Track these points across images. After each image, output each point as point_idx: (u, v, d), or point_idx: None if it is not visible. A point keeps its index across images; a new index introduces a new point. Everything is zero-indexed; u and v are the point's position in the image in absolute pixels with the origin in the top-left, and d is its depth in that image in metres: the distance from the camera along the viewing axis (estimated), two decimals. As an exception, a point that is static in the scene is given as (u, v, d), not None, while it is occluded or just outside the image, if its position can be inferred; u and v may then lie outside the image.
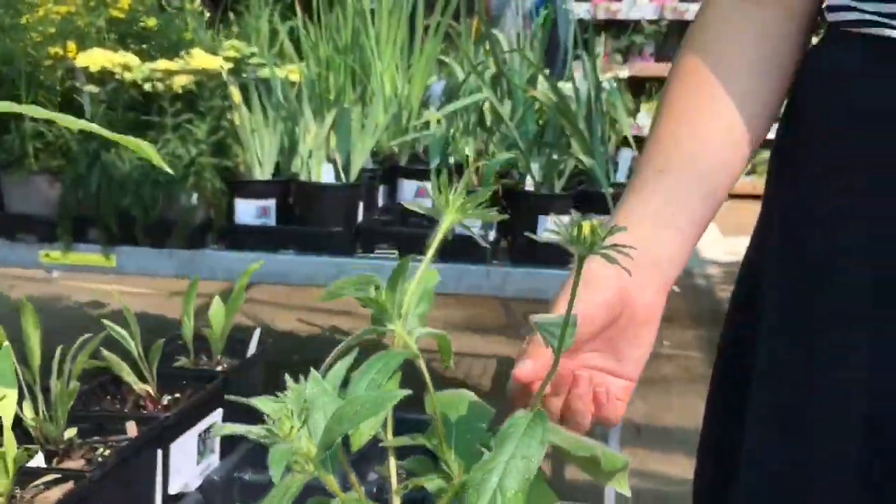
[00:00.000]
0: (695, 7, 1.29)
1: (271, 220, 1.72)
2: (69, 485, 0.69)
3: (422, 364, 0.44)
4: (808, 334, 0.59)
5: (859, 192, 0.57)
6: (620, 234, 0.41)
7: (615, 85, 2.74)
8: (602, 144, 1.82)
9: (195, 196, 1.69)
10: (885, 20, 0.56)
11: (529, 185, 1.70)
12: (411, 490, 0.45)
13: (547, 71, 2.90)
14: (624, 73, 3.28)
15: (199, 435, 0.87)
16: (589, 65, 1.81)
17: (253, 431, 0.36)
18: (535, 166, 1.70)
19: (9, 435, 0.65)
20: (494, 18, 6.15)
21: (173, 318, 3.05)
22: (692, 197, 0.62)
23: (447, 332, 0.47)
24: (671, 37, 5.53)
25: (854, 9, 0.58)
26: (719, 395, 0.71)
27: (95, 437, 0.80)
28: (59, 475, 0.71)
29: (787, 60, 0.64)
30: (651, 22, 5.43)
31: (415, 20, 2.29)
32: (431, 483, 0.44)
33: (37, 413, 0.79)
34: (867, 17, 0.57)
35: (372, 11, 2.33)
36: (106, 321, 0.92)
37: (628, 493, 0.47)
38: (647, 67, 5.48)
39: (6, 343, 0.62)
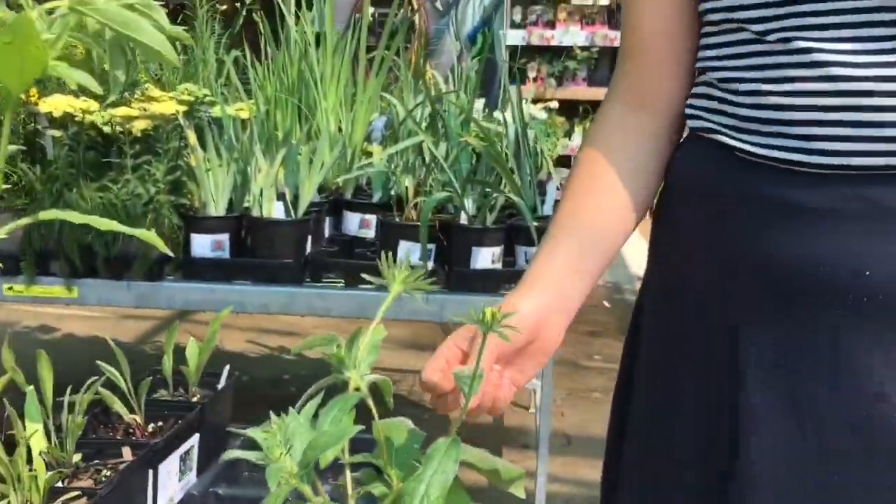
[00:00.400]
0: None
1: (225, 253, 1.86)
2: (84, 500, 0.85)
3: (370, 402, 0.60)
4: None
5: (684, 259, 0.78)
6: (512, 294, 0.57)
7: (545, 116, 2.94)
8: (530, 179, 2.00)
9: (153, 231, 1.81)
10: (722, 129, 0.75)
11: (464, 219, 1.87)
12: (362, 495, 0.60)
13: (483, 101, 3.08)
14: (554, 103, 3.47)
15: (181, 456, 1.01)
16: (517, 109, 2.00)
17: (251, 455, 0.51)
18: (468, 202, 1.88)
19: (39, 461, 0.80)
20: (434, 43, 6.34)
21: (126, 342, 3.14)
22: (588, 258, 0.79)
23: (393, 349, 0.63)
24: (602, 62, 5.80)
25: (702, 118, 0.77)
26: (614, 409, 0.89)
27: (96, 461, 0.94)
28: (78, 492, 0.87)
29: (662, 151, 0.82)
30: (583, 48, 5.69)
31: (358, 57, 2.45)
32: (377, 490, 0.60)
33: (49, 442, 0.94)
34: (711, 125, 0.76)
35: (317, 45, 2.48)
36: (101, 363, 1.06)
37: (523, 496, 0.63)
38: (580, 91, 5.74)
39: (31, 388, 0.75)
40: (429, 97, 2.10)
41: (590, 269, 0.78)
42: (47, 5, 0.68)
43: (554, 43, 5.71)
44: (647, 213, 0.84)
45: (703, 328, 0.74)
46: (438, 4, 6.31)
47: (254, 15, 3.76)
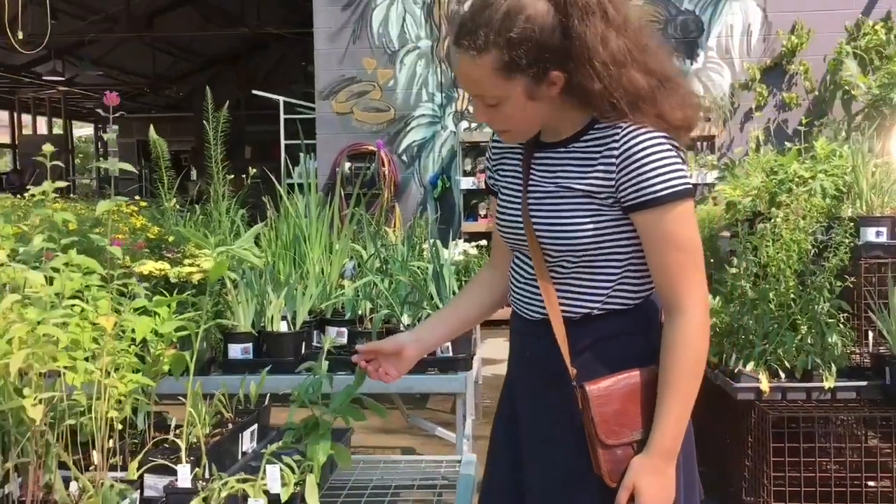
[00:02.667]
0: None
1: (251, 356, 2.91)
2: (217, 438, 1.86)
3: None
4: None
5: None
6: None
7: (471, 252, 4.06)
8: (446, 299, 3.08)
9: (205, 343, 2.87)
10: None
11: (402, 327, 2.94)
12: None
13: (433, 241, 4.19)
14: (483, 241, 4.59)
15: (250, 433, 2.02)
16: (433, 254, 3.11)
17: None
18: (404, 316, 2.96)
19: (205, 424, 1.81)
20: (401, 188, 7.58)
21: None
22: (454, 321, 1.82)
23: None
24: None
25: None
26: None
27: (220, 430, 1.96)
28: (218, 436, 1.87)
29: (497, 283, 1.83)
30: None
31: (333, 224, 3.58)
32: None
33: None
34: None
35: (306, 213, 3.62)
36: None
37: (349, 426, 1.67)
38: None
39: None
40: (377, 249, 3.22)
41: (444, 331, 1.80)
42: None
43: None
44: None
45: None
46: (404, 157, 7.59)
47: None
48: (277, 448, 1.59)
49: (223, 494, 1.40)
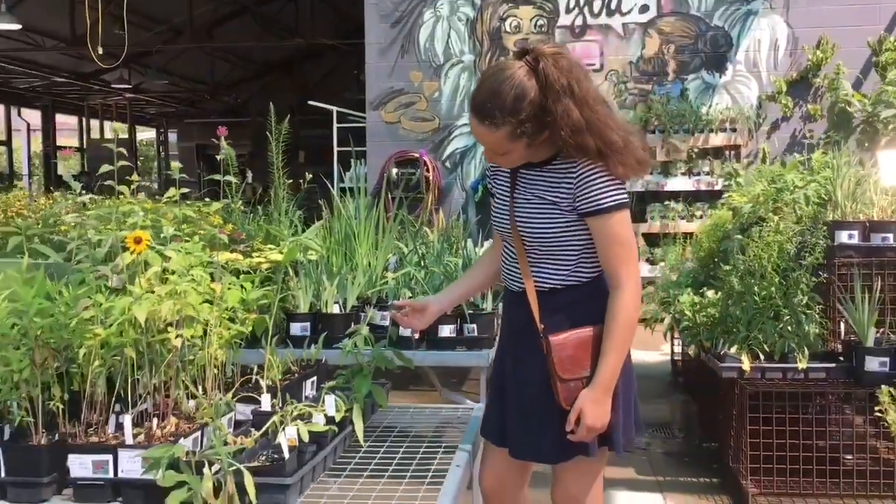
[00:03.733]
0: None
1: (308, 332, 3.47)
2: (285, 382, 2.42)
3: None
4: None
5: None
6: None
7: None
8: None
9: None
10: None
11: (435, 311, 3.47)
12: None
13: (470, 241, 4.71)
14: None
15: (311, 382, 2.57)
16: (465, 247, 3.63)
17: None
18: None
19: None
20: (444, 192, 8.13)
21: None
22: (466, 286, 2.38)
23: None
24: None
25: None
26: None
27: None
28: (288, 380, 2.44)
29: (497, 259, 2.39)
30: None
31: (379, 224, 4.14)
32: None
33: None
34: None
35: (356, 214, 4.17)
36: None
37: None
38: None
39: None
40: (416, 246, 3.76)
41: (458, 293, 2.36)
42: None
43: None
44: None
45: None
46: (448, 164, 8.14)
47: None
48: (332, 386, 2.13)
49: (294, 414, 1.93)
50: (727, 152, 7.66)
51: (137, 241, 1.80)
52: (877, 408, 3.08)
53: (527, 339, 2.02)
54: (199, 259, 2.04)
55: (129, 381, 1.81)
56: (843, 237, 3.42)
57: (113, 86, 17.73)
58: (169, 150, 25.80)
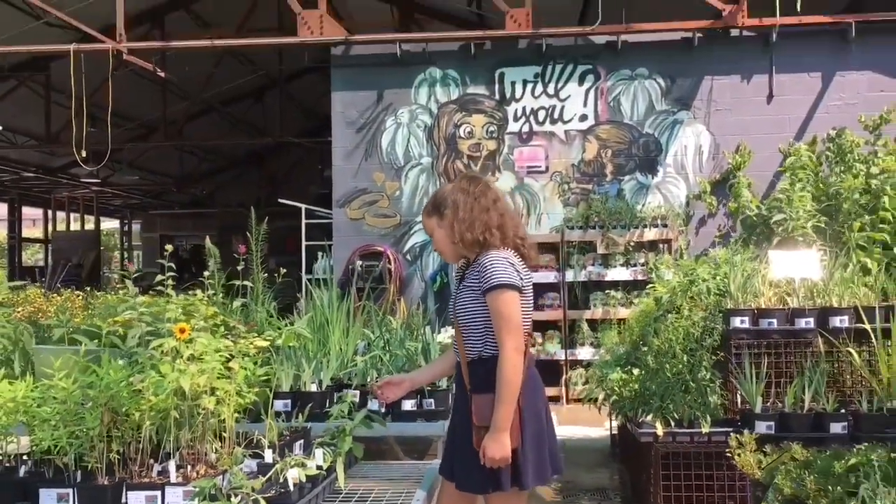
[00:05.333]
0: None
1: (289, 408, 4.04)
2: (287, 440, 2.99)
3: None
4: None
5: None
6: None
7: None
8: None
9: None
10: None
11: (399, 388, 4.08)
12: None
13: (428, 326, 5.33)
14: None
15: (300, 444, 3.14)
16: (424, 334, 4.28)
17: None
18: (401, 380, 4.11)
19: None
20: (406, 283, 8.79)
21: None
22: (434, 371, 3.05)
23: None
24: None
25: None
26: None
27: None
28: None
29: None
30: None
31: (349, 313, 4.77)
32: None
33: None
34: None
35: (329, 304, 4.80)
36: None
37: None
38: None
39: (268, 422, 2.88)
40: (382, 333, 4.40)
41: (427, 376, 3.04)
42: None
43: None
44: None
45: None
46: (408, 256, 8.84)
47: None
48: (320, 442, 2.74)
49: (292, 464, 2.51)
50: (660, 245, 8.48)
51: (182, 331, 2.42)
52: (727, 450, 3.65)
53: (462, 396, 2.69)
54: (219, 344, 2.64)
55: (172, 435, 2.40)
56: (737, 322, 4.14)
57: (82, 180, 18.29)
58: (132, 240, 26.22)
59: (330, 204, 9.04)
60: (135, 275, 4.05)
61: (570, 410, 7.74)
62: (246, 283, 7.08)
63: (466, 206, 2.67)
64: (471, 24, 12.89)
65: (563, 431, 6.04)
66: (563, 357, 8.25)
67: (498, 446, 2.56)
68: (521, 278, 2.65)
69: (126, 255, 25.28)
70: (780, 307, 4.17)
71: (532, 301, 2.80)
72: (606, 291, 8.37)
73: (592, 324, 8.26)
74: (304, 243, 9.27)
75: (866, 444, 3.14)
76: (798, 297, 4.22)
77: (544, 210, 8.80)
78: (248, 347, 4.11)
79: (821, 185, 5.54)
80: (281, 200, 9.69)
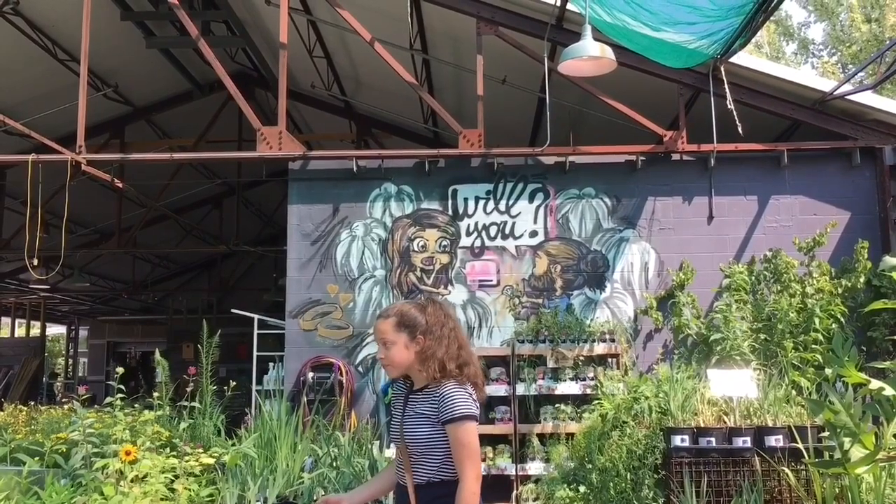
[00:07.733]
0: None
1: (233, 527, 3.99)
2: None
3: None
4: None
5: None
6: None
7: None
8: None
9: None
10: None
11: (345, 507, 4.07)
12: None
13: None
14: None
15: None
16: (371, 450, 4.29)
17: None
18: (347, 498, 4.10)
19: None
20: (357, 395, 8.77)
21: None
22: (374, 488, 3.06)
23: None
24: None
25: None
26: None
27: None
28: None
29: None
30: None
31: (298, 428, 4.77)
32: None
33: None
34: None
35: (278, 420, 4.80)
36: None
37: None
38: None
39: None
40: (329, 449, 4.41)
41: (368, 493, 3.04)
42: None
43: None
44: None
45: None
46: (360, 368, 8.85)
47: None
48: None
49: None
50: (609, 359, 8.63)
51: (128, 453, 2.45)
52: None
53: None
54: (164, 464, 2.67)
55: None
56: (677, 441, 4.25)
57: (31, 286, 18.02)
58: (79, 346, 25.63)
59: (283, 312, 9.07)
60: (83, 397, 4.05)
61: (520, 527, 7.64)
62: (194, 404, 7.00)
63: (443, 338, 2.78)
64: (426, 140, 13.35)
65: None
66: (513, 472, 8.21)
67: None
68: (477, 408, 2.78)
69: (71, 361, 24.66)
70: (719, 426, 4.30)
71: None
72: (556, 405, 8.43)
73: (542, 438, 8.27)
74: (255, 353, 9.23)
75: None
76: (735, 415, 4.37)
77: (495, 323, 8.94)
78: (193, 466, 4.09)
79: (760, 303, 5.80)
80: (234, 311, 9.69)
